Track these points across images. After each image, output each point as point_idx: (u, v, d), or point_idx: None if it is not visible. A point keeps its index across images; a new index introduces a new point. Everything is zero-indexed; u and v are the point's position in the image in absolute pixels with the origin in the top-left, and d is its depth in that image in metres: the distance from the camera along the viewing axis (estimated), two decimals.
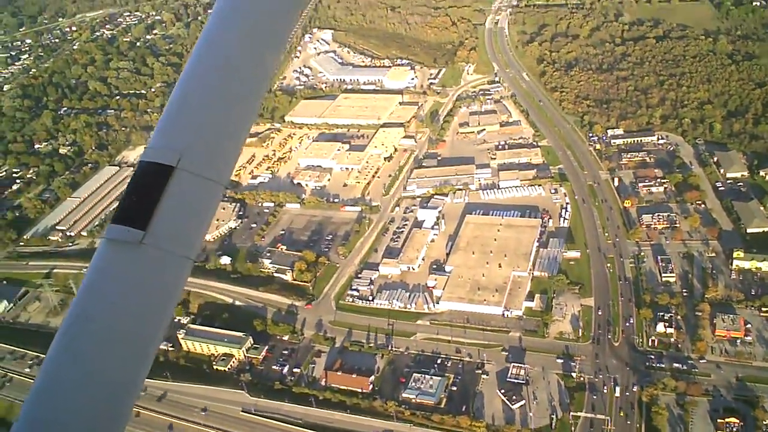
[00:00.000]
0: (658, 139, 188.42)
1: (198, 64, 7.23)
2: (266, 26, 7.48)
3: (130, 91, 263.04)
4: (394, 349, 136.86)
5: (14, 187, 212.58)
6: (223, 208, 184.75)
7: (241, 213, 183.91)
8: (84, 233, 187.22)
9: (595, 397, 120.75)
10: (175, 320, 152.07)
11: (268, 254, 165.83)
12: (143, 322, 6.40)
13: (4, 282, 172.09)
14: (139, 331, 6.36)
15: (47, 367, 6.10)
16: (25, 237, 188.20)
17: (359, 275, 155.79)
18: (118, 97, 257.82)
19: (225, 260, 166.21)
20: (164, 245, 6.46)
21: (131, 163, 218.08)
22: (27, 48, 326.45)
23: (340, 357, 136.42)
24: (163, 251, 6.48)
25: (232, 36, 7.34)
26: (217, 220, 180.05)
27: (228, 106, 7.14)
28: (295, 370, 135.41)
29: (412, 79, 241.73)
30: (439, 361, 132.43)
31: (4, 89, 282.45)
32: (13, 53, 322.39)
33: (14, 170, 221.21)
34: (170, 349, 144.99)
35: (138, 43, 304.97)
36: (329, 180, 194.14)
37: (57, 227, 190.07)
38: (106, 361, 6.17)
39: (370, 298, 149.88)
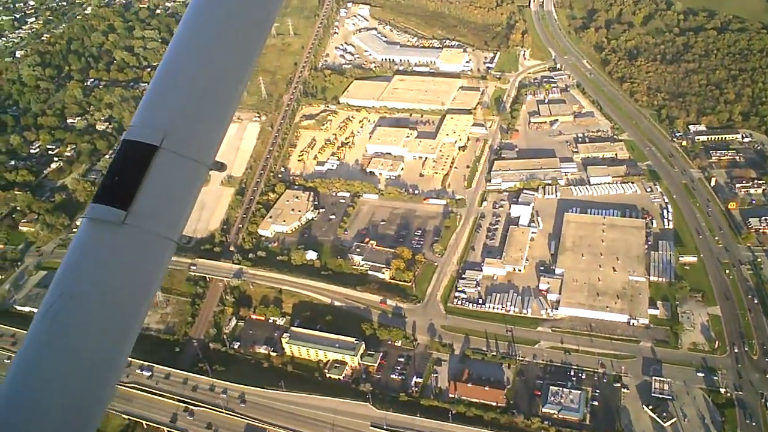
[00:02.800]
0: (743, 137, 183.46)
1: (183, 42, 7.08)
2: (253, 3, 7.32)
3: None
4: (520, 358, 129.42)
5: (53, 165, 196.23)
6: (297, 197, 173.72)
7: (316, 203, 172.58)
8: None
9: (746, 414, 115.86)
10: (270, 321, 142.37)
11: (358, 250, 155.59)
12: (125, 302, 6.30)
13: None
14: (121, 311, 6.27)
15: (27, 345, 6.00)
16: (79, 223, 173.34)
17: (463, 276, 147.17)
18: (149, 69, 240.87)
19: (311, 255, 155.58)
20: (147, 226, 6.36)
21: None
22: (32, 10, 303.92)
23: (465, 366, 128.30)
24: (146, 232, 6.38)
25: (218, 13, 7.17)
26: (293, 210, 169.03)
27: (214, 85, 6.96)
28: (417, 380, 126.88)
29: (467, 62, 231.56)
30: (572, 373, 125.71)
31: (17, 55, 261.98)
32: (18, 15, 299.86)
33: (48, 147, 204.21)
34: (273, 354, 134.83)
35: (158, 11, 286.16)
36: (403, 169, 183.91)
37: None
38: (87, 340, 6.08)
39: (480, 300, 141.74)
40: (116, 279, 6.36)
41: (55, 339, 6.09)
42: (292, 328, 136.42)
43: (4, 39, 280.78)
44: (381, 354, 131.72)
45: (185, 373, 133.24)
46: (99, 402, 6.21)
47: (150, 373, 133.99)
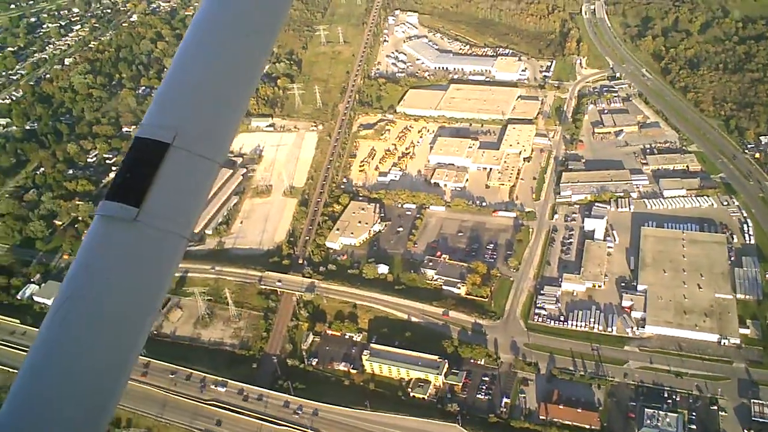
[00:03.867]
0: None
1: (195, 39, 7.14)
2: (264, 3, 7.39)
3: None
4: (610, 378, 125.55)
5: (111, 174, 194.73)
6: (362, 209, 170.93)
7: (382, 215, 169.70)
8: (209, 231, 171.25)
9: None
10: (346, 336, 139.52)
11: (431, 264, 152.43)
12: (136, 301, 6.31)
13: None
14: (132, 310, 6.27)
15: (38, 345, 6.00)
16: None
17: (542, 292, 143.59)
18: None
19: (382, 269, 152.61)
20: (158, 223, 6.39)
21: (237, 153, 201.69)
22: (77, 18, 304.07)
23: (554, 387, 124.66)
24: (158, 229, 6.40)
25: (229, 13, 7.21)
26: (360, 222, 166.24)
27: (225, 83, 6.98)
28: (505, 400, 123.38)
29: (524, 70, 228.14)
30: (665, 394, 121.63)
31: (66, 63, 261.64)
32: (63, 23, 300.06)
33: (106, 156, 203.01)
34: (353, 371, 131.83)
35: None
36: (467, 180, 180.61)
37: None
38: (97, 339, 6.07)
39: (561, 318, 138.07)
40: (128, 277, 6.32)
41: (65, 338, 6.03)
42: (372, 345, 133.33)
43: (51, 46, 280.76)
44: (465, 373, 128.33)
45: (259, 389, 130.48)
46: (108, 402, 6.13)
47: (224, 388, 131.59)
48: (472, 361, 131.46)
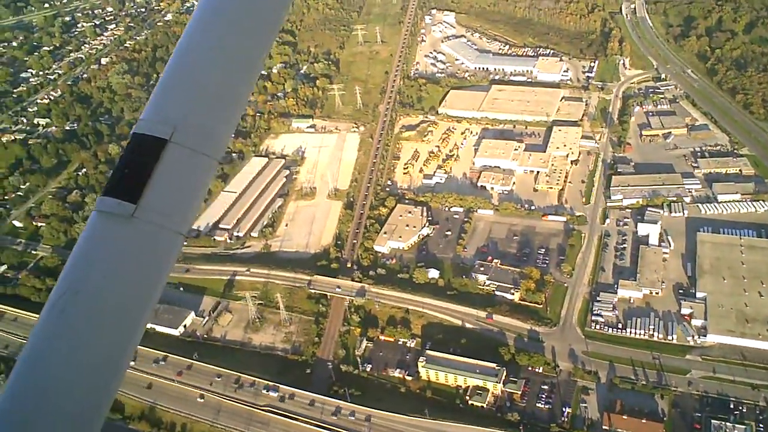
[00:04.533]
0: None
1: (193, 38, 7.14)
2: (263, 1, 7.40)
3: None
4: (674, 388, 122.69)
5: None
6: (410, 212, 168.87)
7: (430, 218, 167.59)
8: (254, 234, 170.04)
9: None
10: (399, 342, 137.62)
11: (482, 269, 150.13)
12: (133, 296, 6.32)
13: (181, 288, 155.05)
14: (129, 305, 6.28)
15: (34, 339, 6.04)
16: (188, 237, 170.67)
17: (598, 298, 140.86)
18: None
19: (433, 274, 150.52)
20: (156, 219, 6.40)
21: (279, 154, 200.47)
22: (111, 17, 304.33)
23: (615, 396, 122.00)
24: (155, 225, 6.40)
25: (228, 10, 7.22)
26: (408, 225, 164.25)
27: (223, 80, 6.99)
28: (566, 409, 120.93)
29: (566, 71, 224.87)
30: (731, 405, 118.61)
31: (103, 62, 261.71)
32: (98, 22, 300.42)
33: None
34: (408, 378, 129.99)
35: None
36: (514, 183, 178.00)
37: (221, 226, 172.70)
38: (94, 333, 6.09)
39: (619, 325, 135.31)
40: (124, 273, 6.31)
41: (62, 333, 6.03)
42: (428, 352, 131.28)
43: (87, 46, 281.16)
44: (524, 381, 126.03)
45: (311, 394, 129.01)
46: (105, 396, 6.14)
47: (276, 393, 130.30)
48: (529, 368, 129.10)
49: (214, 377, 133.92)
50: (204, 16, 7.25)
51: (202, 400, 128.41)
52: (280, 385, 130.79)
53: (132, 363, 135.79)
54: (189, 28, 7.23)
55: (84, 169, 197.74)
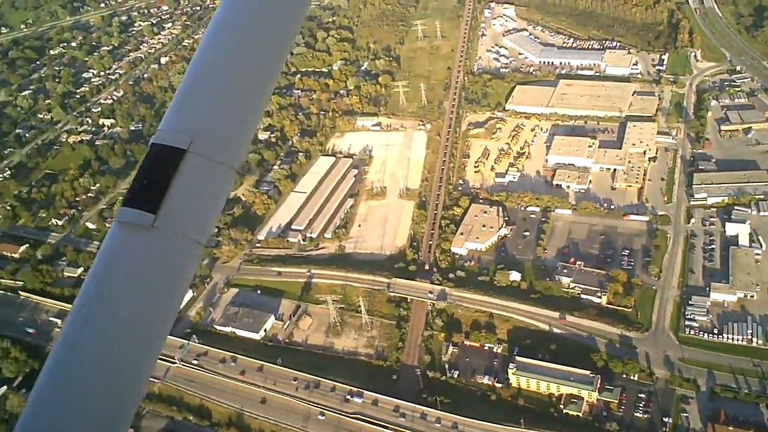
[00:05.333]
0: None
1: (211, 44, 7.18)
2: (281, 6, 7.45)
3: (310, 69, 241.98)
4: None
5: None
6: (485, 212, 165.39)
7: (506, 218, 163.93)
8: (327, 235, 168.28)
9: None
10: (485, 347, 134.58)
11: (565, 271, 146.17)
12: (153, 306, 6.38)
13: (258, 291, 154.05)
14: (150, 315, 6.33)
15: (58, 349, 6.10)
16: (261, 238, 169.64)
17: (690, 302, 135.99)
18: (299, 76, 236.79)
19: (514, 276, 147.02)
20: (175, 229, 6.43)
21: (346, 153, 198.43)
22: (167, 15, 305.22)
23: (717, 405, 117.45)
24: (174, 235, 6.44)
25: (246, 16, 7.24)
26: (485, 226, 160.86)
27: (241, 89, 7.01)
28: (666, 419, 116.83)
29: (635, 64, 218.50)
30: None
31: (162, 61, 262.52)
32: (154, 21, 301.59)
33: None
34: (498, 385, 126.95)
35: None
36: (591, 182, 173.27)
37: (293, 227, 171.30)
38: (116, 343, 6.15)
39: (715, 330, 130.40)
40: (145, 283, 6.36)
41: (84, 343, 6.10)
42: (518, 358, 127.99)
43: (145, 45, 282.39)
44: (620, 389, 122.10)
45: (395, 400, 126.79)
46: (128, 404, 6.19)
47: (361, 399, 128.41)
48: (624, 376, 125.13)
49: (296, 381, 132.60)
50: (220, 27, 7.24)
51: (323, 418, 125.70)
52: (365, 391, 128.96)
53: (220, 366, 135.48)
54: (205, 39, 7.22)
55: None
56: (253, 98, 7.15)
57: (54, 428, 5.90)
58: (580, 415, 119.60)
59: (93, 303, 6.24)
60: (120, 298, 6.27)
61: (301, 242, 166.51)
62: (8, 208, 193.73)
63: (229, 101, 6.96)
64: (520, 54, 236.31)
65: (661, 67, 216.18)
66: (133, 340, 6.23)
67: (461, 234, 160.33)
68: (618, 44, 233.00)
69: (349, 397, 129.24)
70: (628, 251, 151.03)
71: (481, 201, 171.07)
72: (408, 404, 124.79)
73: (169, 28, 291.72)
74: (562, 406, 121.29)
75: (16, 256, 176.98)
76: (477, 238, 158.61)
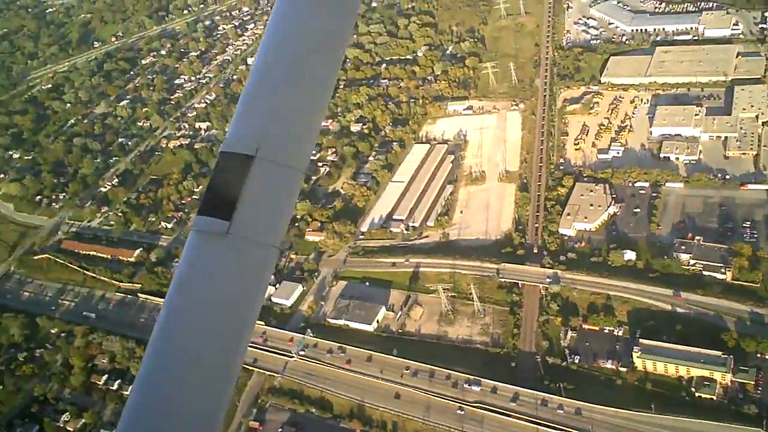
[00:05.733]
0: None
1: (270, 50, 7.35)
2: (335, 8, 7.53)
3: (394, 57, 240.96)
4: None
5: (319, 171, 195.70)
6: (591, 191, 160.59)
7: (614, 195, 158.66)
8: (430, 223, 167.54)
9: None
10: (605, 331, 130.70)
11: (683, 247, 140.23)
12: (235, 310, 6.49)
13: (367, 283, 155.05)
14: (232, 319, 6.47)
15: (150, 356, 6.35)
16: (364, 229, 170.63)
17: None
18: (384, 65, 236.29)
19: (629, 255, 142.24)
20: (249, 235, 6.59)
21: (441, 139, 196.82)
22: (248, 17, 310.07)
23: None
24: (249, 241, 6.60)
25: (301, 23, 7.36)
26: (592, 205, 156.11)
27: (303, 92, 7.14)
28: None
29: (735, 24, 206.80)
30: None
31: (249, 62, 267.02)
32: (237, 23, 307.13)
33: (313, 159, 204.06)
34: (622, 369, 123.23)
35: (374, 3, 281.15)
36: (701, 152, 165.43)
37: (395, 217, 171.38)
38: (202, 349, 6.31)
39: None
40: (225, 289, 6.46)
41: (170, 350, 6.28)
42: (642, 341, 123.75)
43: (231, 47, 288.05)
44: (755, 369, 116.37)
45: (513, 387, 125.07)
46: (217, 407, 6.32)
47: (479, 387, 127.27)
48: (758, 355, 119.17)
49: (407, 370, 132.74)
50: (275, 33, 7.40)
51: (462, 412, 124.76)
52: (482, 379, 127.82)
53: (336, 358, 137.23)
54: (263, 44, 7.36)
55: None
56: (315, 99, 7.32)
57: (154, 424, 6.19)
58: (714, 398, 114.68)
59: (177, 312, 6.47)
60: (202, 305, 6.44)
61: (405, 232, 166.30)
62: (120, 214, 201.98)
63: (292, 105, 7.10)
64: (610, 24, 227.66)
65: (764, 25, 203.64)
66: (217, 346, 6.41)
67: (568, 214, 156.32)
68: (714, 5, 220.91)
69: (466, 385, 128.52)
70: (749, 223, 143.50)
71: (585, 179, 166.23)
72: (528, 391, 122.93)
73: (251, 29, 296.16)
74: (693, 390, 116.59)
75: (132, 259, 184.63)
76: (585, 217, 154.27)
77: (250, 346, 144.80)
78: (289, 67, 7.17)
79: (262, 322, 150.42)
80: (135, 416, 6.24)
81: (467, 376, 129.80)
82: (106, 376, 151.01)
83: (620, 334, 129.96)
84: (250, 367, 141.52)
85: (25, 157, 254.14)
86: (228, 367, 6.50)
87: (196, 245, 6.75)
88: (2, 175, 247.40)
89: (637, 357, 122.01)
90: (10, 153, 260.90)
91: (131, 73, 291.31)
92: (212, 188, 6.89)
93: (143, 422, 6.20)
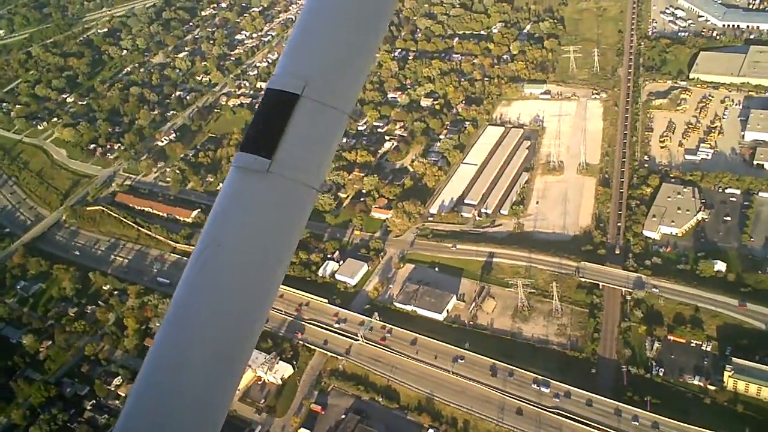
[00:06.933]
0: None
1: None
2: None
3: (468, 32, 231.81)
4: None
5: (386, 145, 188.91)
6: (679, 193, 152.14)
7: (703, 201, 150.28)
8: (503, 211, 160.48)
9: None
10: (691, 344, 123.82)
11: None
12: (270, 248, 6.48)
13: (436, 269, 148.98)
14: (267, 257, 6.46)
15: (180, 290, 6.34)
16: (433, 211, 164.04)
17: None
18: (457, 39, 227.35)
19: (719, 267, 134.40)
20: (290, 174, 6.52)
21: (516, 123, 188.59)
22: None
23: None
24: (290, 180, 6.53)
25: None
26: (679, 209, 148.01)
27: (353, 33, 7.00)
28: None
29: None
30: None
31: None
32: None
33: (376, 123, 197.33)
34: (711, 388, 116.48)
35: None
36: None
37: (466, 201, 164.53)
38: (234, 285, 6.32)
39: None
40: (262, 226, 6.42)
41: (204, 284, 6.28)
42: (736, 360, 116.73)
43: (294, 6, 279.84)
44: None
45: (588, 393, 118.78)
46: (244, 344, 6.32)
47: (548, 389, 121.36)
48: None
49: (479, 366, 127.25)
50: None
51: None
52: (552, 381, 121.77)
53: (405, 346, 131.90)
54: None
55: None
56: (364, 43, 7.00)
57: (176, 362, 6.11)
58: None
59: (212, 247, 6.26)
60: (238, 241, 6.29)
61: (476, 218, 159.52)
62: (178, 171, 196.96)
63: (341, 46, 6.86)
64: (699, 16, 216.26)
65: None
66: (250, 283, 6.30)
67: (654, 216, 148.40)
68: None
69: (534, 385, 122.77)
70: None
71: (672, 180, 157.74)
72: (602, 398, 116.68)
73: None
74: None
75: (189, 220, 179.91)
76: (672, 221, 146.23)
77: (316, 325, 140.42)
78: (340, 8, 6.93)
79: (325, 300, 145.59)
80: (163, 346, 6.20)
81: (536, 376, 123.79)
82: None
83: (708, 349, 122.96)
84: (312, 347, 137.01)
85: (80, 102, 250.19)
86: (259, 303, 6.38)
87: (236, 182, 6.55)
88: (55, 119, 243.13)
89: (729, 376, 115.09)
90: (64, 96, 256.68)
91: (190, 24, 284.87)
92: (255, 125, 6.60)
93: (170, 352, 6.17)
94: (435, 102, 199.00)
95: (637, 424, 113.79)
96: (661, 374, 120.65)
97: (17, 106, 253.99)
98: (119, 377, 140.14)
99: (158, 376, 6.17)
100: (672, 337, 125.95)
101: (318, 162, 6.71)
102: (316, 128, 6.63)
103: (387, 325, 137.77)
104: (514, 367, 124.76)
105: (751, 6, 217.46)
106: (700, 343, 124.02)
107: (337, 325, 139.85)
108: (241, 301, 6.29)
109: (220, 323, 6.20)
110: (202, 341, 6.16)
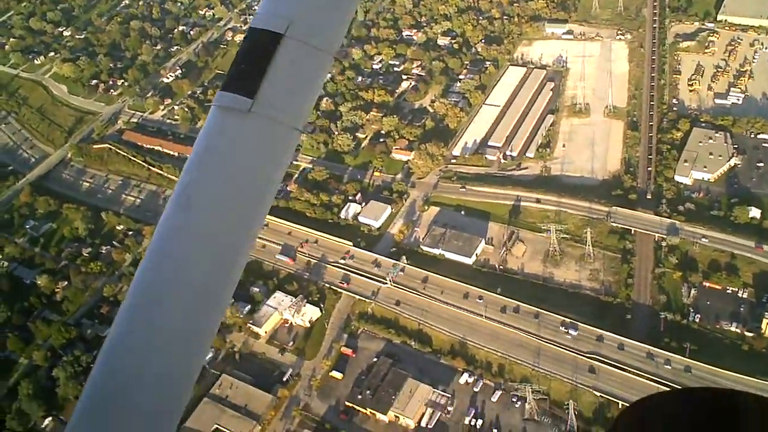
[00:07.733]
0: None
1: None
2: None
3: None
4: None
5: (404, 84, 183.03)
6: (710, 138, 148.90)
7: (736, 146, 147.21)
8: (529, 154, 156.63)
9: None
10: (728, 291, 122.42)
11: None
12: (251, 188, 6.39)
13: (462, 212, 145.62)
14: (248, 197, 6.37)
15: (161, 229, 6.13)
16: (456, 153, 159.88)
17: None
18: None
19: (754, 213, 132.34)
20: (272, 114, 6.40)
21: (539, 63, 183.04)
22: None
23: None
24: (271, 120, 6.41)
25: None
26: (711, 154, 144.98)
27: None
28: None
29: None
30: None
31: None
32: None
33: (392, 62, 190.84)
34: (748, 334, 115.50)
35: None
36: None
37: (490, 144, 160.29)
38: (217, 222, 6.18)
39: None
40: (243, 164, 6.31)
41: (186, 222, 6.11)
42: None
43: None
44: None
45: (619, 337, 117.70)
46: (226, 279, 6.17)
47: (576, 332, 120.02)
48: None
49: (511, 312, 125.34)
50: None
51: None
52: (581, 324, 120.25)
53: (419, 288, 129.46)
54: None
55: (329, 75, 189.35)
56: None
57: (161, 296, 5.88)
58: None
59: (192, 186, 6.14)
60: (219, 179, 6.20)
61: (502, 161, 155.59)
62: (186, 109, 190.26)
63: None
64: None
65: None
66: (233, 222, 6.18)
67: (685, 161, 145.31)
68: None
69: (562, 328, 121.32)
70: None
71: (703, 125, 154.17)
72: (634, 342, 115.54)
73: None
74: None
75: None
76: (705, 167, 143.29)
77: (342, 267, 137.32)
78: None
79: (350, 243, 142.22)
80: (142, 285, 5.96)
81: (564, 318, 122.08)
82: None
83: (745, 296, 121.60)
84: (339, 290, 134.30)
85: (77, 36, 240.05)
86: (240, 242, 6.19)
87: (217, 121, 6.34)
88: (53, 53, 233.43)
89: (767, 323, 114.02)
90: (60, 30, 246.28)
91: None
92: (238, 64, 6.37)
93: (150, 290, 5.94)
94: (453, 41, 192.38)
95: (669, 368, 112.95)
96: (697, 320, 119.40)
97: (11, 39, 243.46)
98: None
99: (140, 311, 5.85)
100: (707, 284, 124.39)
101: (301, 102, 6.50)
102: (299, 68, 6.40)
103: (415, 267, 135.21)
104: (541, 310, 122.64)
105: None
106: (736, 289, 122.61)
107: (359, 267, 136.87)
108: (222, 238, 6.09)
109: (202, 260, 6.00)
110: (185, 277, 5.93)
